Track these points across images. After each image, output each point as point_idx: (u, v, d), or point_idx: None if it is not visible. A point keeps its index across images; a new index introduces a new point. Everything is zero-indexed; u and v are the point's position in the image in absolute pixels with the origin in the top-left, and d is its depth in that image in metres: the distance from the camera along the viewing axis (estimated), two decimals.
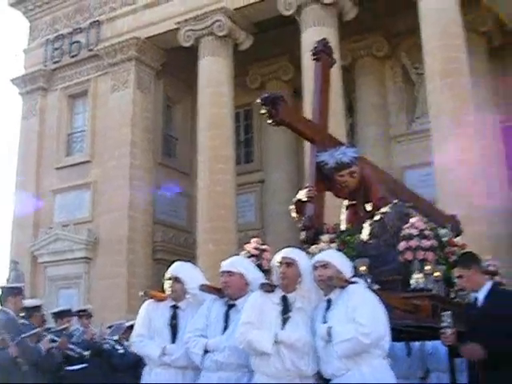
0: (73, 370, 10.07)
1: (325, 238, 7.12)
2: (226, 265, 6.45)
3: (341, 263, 5.89)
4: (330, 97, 8.48)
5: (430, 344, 8.71)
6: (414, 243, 6.71)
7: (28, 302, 9.89)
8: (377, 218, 7.26)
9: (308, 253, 6.69)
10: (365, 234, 7.25)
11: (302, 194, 7.66)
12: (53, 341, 9.28)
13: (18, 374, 8.20)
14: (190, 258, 19.02)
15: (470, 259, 6.54)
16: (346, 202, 8.26)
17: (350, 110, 24.79)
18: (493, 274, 8.68)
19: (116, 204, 23.62)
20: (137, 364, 11.44)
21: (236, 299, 6.28)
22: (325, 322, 5.63)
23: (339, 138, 9.21)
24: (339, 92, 19.94)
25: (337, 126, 17.67)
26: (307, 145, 19.43)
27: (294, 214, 7.85)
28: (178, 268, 6.88)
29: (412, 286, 6.67)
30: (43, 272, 25.13)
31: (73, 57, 26.41)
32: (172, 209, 26.13)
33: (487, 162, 19.67)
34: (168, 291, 6.76)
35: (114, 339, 11.55)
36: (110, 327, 12.27)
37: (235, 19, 23.12)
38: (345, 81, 21.28)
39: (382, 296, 5.77)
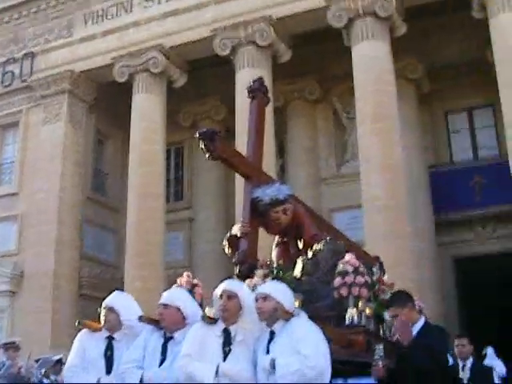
0: None
1: (259, 272, 7.12)
2: (163, 297, 6.41)
3: (281, 296, 5.88)
4: (264, 135, 8.52)
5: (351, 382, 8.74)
6: (349, 279, 6.79)
7: None
8: (310, 255, 7.33)
9: None
10: (297, 270, 7.29)
11: (236, 230, 7.66)
12: None
13: None
14: None
15: (403, 298, 6.75)
16: (276, 239, 8.29)
17: (281, 150, 25.07)
18: (419, 312, 8.85)
19: (43, 238, 23.21)
20: None
21: (174, 332, 6.22)
22: (267, 353, 5.65)
23: None
24: (271, 132, 20.13)
25: (268, 166, 17.74)
26: (237, 185, 19.85)
27: (227, 250, 7.85)
28: (114, 298, 6.80)
29: (347, 322, 6.72)
30: None
31: (5, 87, 26.05)
32: (99, 244, 25.87)
33: (415, 206, 20.03)
34: (102, 321, 6.65)
35: (41, 373, 11.39)
36: (37, 361, 12.09)
37: (170, 57, 23.18)
38: (276, 122, 21.53)
39: (321, 327, 5.81)
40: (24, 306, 23.04)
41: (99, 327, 6.72)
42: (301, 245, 7.93)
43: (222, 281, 6.20)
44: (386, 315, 7.32)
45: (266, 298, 5.84)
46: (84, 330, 6.77)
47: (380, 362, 6.21)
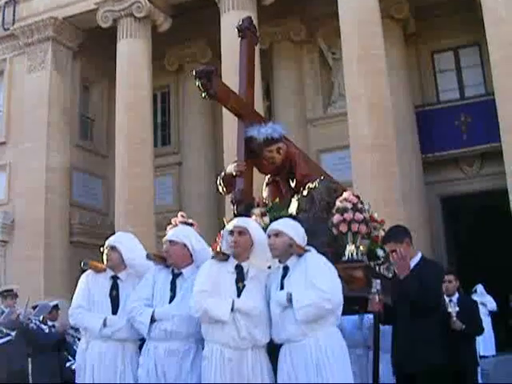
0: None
1: (256, 211, 7.16)
2: (169, 234, 6.46)
3: (293, 231, 5.94)
4: (254, 74, 8.53)
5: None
6: (348, 216, 6.82)
7: None
8: (305, 192, 7.34)
9: None
10: (293, 208, 7.32)
11: (231, 169, 7.63)
12: None
13: None
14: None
15: (401, 233, 6.78)
16: (267, 179, 8.31)
17: (267, 93, 25.06)
18: None
19: (32, 186, 23.22)
20: (60, 343, 11.53)
21: (181, 268, 6.25)
22: (282, 289, 5.71)
23: None
24: (257, 75, 19.96)
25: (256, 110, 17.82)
26: (224, 129, 19.86)
27: (221, 189, 7.88)
28: (116, 237, 6.85)
29: (345, 258, 6.79)
30: None
31: None
32: (89, 191, 25.91)
33: (402, 147, 20.12)
34: (105, 261, 6.69)
35: (39, 319, 11.49)
36: (34, 307, 12.17)
37: (154, 1, 22.94)
38: (262, 64, 21.43)
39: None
40: (16, 255, 23.15)
41: (104, 268, 6.73)
42: (293, 184, 7.94)
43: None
44: (379, 252, 7.43)
45: (278, 234, 5.90)
46: (88, 271, 6.77)
47: (377, 296, 6.34)
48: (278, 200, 7.66)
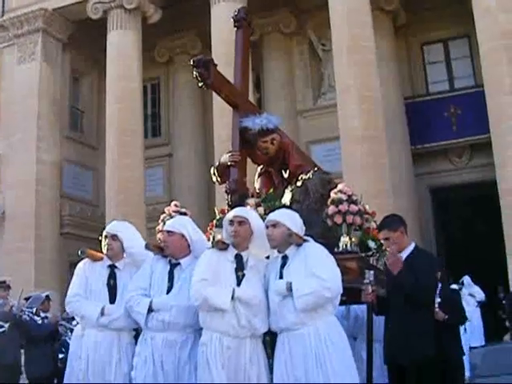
0: None
1: (251, 201, 7.18)
2: (167, 224, 6.48)
3: (290, 221, 5.97)
4: (249, 65, 8.55)
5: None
6: (343, 207, 6.85)
7: None
8: (299, 183, 7.37)
9: None
10: (286, 198, 7.35)
11: (225, 158, 7.64)
12: None
13: None
14: (99, 231, 18.93)
15: (396, 221, 6.78)
16: (259, 169, 8.31)
17: (258, 84, 25.09)
18: None
19: (23, 178, 23.18)
20: (52, 334, 11.58)
21: (179, 258, 6.26)
22: (281, 278, 5.74)
23: None
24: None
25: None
26: (215, 120, 19.87)
27: (215, 179, 7.88)
28: (117, 226, 6.83)
29: (340, 249, 6.82)
30: None
31: None
32: (79, 182, 25.90)
33: (392, 138, 20.18)
34: (105, 249, 6.67)
35: (32, 311, 11.50)
36: (26, 299, 12.19)
37: None
38: (252, 56, 21.29)
39: None
40: (6, 247, 23.08)
41: (101, 256, 6.72)
42: (286, 175, 7.95)
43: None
44: (371, 243, 7.46)
45: (275, 224, 5.93)
46: (85, 260, 6.74)
47: (369, 287, 6.38)
48: (270, 191, 7.67)
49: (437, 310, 7.71)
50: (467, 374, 12.88)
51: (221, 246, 5.99)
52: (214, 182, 8.11)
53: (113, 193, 21.84)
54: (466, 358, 12.20)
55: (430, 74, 24.05)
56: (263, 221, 6.18)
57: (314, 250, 5.81)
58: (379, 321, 7.00)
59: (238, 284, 5.79)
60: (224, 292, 5.66)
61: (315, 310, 5.56)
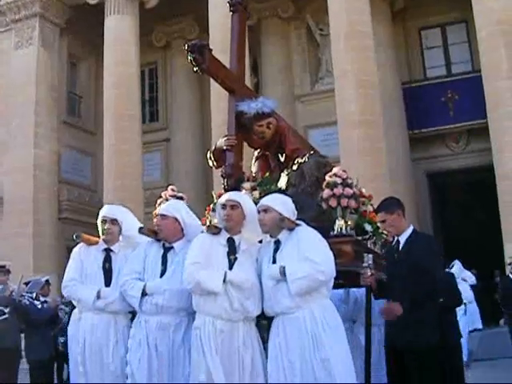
0: None
1: (246, 185, 7.17)
2: (161, 208, 6.50)
3: (282, 206, 5.97)
4: (245, 49, 8.53)
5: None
6: (338, 191, 6.80)
7: None
8: (295, 167, 7.35)
9: None
10: (282, 182, 7.34)
11: (221, 143, 7.59)
12: None
13: None
14: (97, 216, 18.95)
15: (393, 204, 6.75)
16: (256, 153, 8.27)
17: (255, 69, 25.11)
18: None
19: (21, 163, 23.23)
20: (52, 319, 11.63)
21: (172, 242, 6.27)
22: (274, 263, 5.74)
23: None
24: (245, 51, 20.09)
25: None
26: (212, 105, 19.89)
27: (211, 163, 7.87)
28: (114, 210, 6.84)
29: (335, 232, 6.75)
30: None
31: None
32: (77, 167, 25.94)
33: (389, 123, 20.22)
34: (104, 233, 6.66)
35: (31, 296, 11.53)
36: (26, 283, 12.21)
37: None
38: (250, 41, 21.36)
39: None
40: (5, 232, 23.12)
41: (97, 240, 6.72)
42: (282, 158, 7.91)
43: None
44: (367, 226, 7.48)
45: (266, 210, 5.92)
46: (81, 244, 6.74)
47: (368, 270, 6.34)
48: (267, 174, 7.67)
49: None
50: (465, 358, 12.93)
51: (213, 230, 6.00)
52: (211, 167, 8.12)
53: (111, 178, 21.91)
54: (464, 341, 12.29)
55: (427, 59, 24.07)
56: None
57: (307, 234, 5.80)
58: (378, 305, 6.95)
59: (230, 268, 5.79)
60: (216, 275, 5.66)
61: (309, 294, 5.56)
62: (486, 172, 19.03)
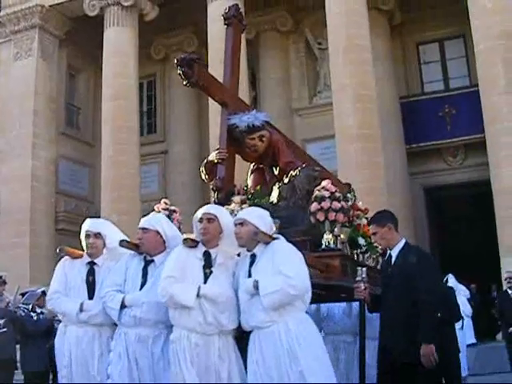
0: None
1: (236, 199, 7.15)
2: (142, 221, 6.46)
3: (258, 220, 5.93)
4: (240, 62, 8.49)
5: (324, 307, 8.77)
6: (325, 204, 6.79)
7: None
8: (286, 180, 7.36)
9: None
10: (274, 196, 7.34)
11: (213, 156, 7.63)
12: None
13: None
14: None
15: (384, 217, 6.72)
16: (252, 166, 8.28)
17: (254, 82, 25.17)
18: None
19: (18, 174, 23.26)
20: (48, 330, 11.61)
21: (153, 255, 6.29)
22: (250, 277, 5.72)
23: None
24: (243, 64, 20.11)
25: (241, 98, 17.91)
26: (210, 117, 19.91)
27: (203, 176, 7.88)
28: (98, 224, 6.87)
29: (323, 246, 6.76)
30: None
31: None
32: (74, 178, 25.96)
33: (386, 137, 20.25)
34: (88, 247, 6.70)
35: (28, 307, 11.51)
36: (23, 294, 12.21)
37: None
38: (249, 54, 21.58)
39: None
40: (1, 242, 23.11)
41: (81, 254, 6.77)
42: (276, 172, 7.92)
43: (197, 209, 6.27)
44: (361, 240, 7.45)
45: (242, 223, 5.89)
46: (65, 258, 6.81)
47: (362, 284, 6.36)
48: (259, 188, 7.66)
49: None
50: (464, 373, 12.89)
51: (190, 243, 5.99)
52: (203, 180, 8.12)
53: (108, 189, 21.94)
54: (462, 356, 12.23)
55: (425, 74, 24.16)
56: None
57: (282, 248, 5.76)
58: (375, 318, 6.96)
59: (206, 281, 5.81)
60: (189, 289, 5.68)
61: (283, 308, 5.55)
62: (483, 186, 19.05)
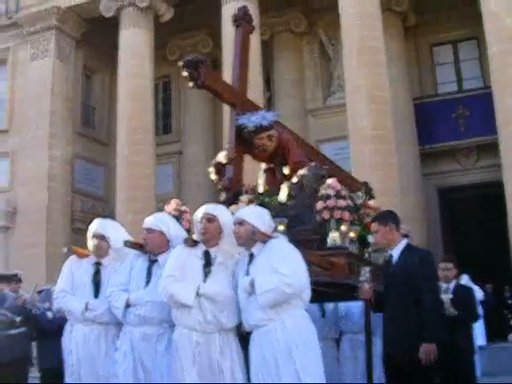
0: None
1: (243, 198, 7.21)
2: (147, 222, 6.57)
3: (256, 219, 5.99)
4: (248, 63, 8.51)
5: (343, 306, 8.86)
6: (331, 203, 6.83)
7: None
8: (294, 180, 7.38)
9: None
10: (283, 195, 7.37)
11: (221, 156, 7.72)
12: None
13: None
14: None
15: (388, 216, 6.78)
16: (263, 166, 8.30)
17: (268, 83, 25.24)
18: (404, 236, 8.91)
19: (35, 174, 23.43)
20: (61, 328, 11.70)
21: (158, 255, 6.40)
22: (247, 275, 5.79)
23: None
24: (258, 65, 20.29)
25: (255, 99, 17.87)
26: (225, 117, 20.00)
27: (213, 176, 7.90)
28: (103, 226, 6.99)
29: (328, 245, 6.80)
30: None
31: None
32: (90, 179, 26.14)
33: (400, 138, 20.28)
34: (93, 249, 6.85)
35: (44, 306, 11.59)
36: (39, 292, 12.29)
37: None
38: (263, 55, 21.68)
39: (300, 251, 5.89)
40: (18, 241, 23.34)
41: (88, 253, 6.91)
42: (287, 171, 7.90)
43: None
44: (370, 238, 7.41)
45: (241, 222, 5.96)
46: (72, 257, 6.96)
47: (366, 284, 6.41)
48: (267, 187, 7.71)
49: (447, 305, 7.79)
50: (478, 373, 12.86)
51: (190, 243, 6.11)
52: (213, 181, 8.18)
53: (123, 189, 22.08)
54: (477, 357, 12.18)
55: (438, 75, 24.16)
56: None
57: (279, 246, 5.82)
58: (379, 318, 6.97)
59: (205, 280, 5.90)
60: (189, 288, 5.78)
61: (280, 306, 5.61)
62: (497, 187, 19.05)
